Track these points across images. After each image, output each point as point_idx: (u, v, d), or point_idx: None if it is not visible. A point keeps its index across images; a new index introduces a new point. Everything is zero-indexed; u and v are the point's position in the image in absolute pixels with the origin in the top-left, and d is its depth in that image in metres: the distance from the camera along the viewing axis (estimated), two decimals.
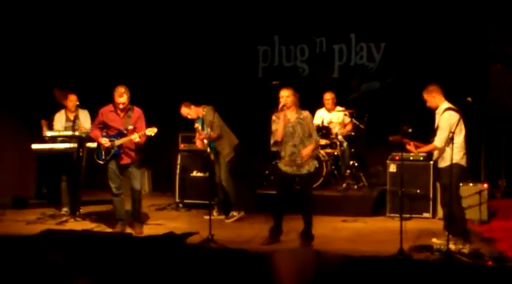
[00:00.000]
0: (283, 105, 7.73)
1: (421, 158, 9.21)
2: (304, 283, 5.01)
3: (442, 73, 10.25)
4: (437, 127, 7.46)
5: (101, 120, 8.32)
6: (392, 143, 7.95)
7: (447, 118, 7.34)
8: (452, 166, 7.21)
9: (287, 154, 7.74)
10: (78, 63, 11.62)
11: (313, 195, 8.04)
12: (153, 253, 6.47)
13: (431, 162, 8.69)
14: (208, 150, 9.12)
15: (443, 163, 7.42)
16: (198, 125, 9.41)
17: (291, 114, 7.76)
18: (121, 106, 8.16)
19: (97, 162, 8.33)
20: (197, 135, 9.47)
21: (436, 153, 7.60)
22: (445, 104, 7.53)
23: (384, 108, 10.37)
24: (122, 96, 8.12)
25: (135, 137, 8.06)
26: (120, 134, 8.20)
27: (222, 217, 9.38)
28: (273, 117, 7.81)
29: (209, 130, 9.00)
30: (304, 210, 7.86)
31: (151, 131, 8.13)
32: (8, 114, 10.58)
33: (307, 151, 7.67)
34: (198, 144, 9.51)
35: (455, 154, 7.29)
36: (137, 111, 8.33)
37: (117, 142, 8.18)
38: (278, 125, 7.70)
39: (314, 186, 9.83)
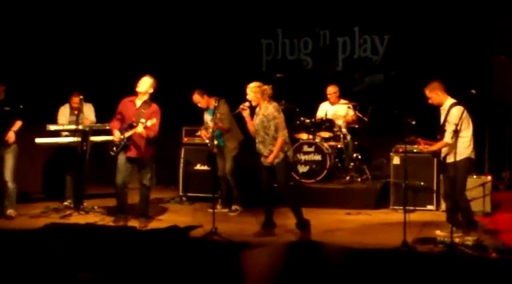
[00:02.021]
0: (250, 103, 7.77)
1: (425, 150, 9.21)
2: (271, 278, 5.03)
3: (446, 66, 10.25)
4: (445, 123, 7.42)
5: (119, 109, 8.40)
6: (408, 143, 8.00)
7: (456, 114, 7.31)
8: (465, 159, 7.32)
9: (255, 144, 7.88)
10: (82, 57, 11.60)
11: (287, 185, 7.91)
12: (157, 246, 6.49)
13: None
14: (216, 142, 9.07)
15: (455, 157, 7.37)
16: (207, 116, 9.40)
17: (260, 110, 7.78)
18: (139, 87, 8.24)
19: (110, 153, 8.38)
20: (204, 125, 9.47)
21: (445, 150, 7.56)
22: (450, 100, 7.51)
23: (388, 101, 10.37)
24: (142, 82, 8.25)
25: (139, 127, 8.05)
26: (131, 126, 8.22)
27: (226, 210, 9.39)
28: (241, 107, 7.85)
29: (219, 122, 8.99)
30: (286, 203, 7.89)
31: (151, 122, 8.09)
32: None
33: (270, 158, 7.66)
34: (203, 134, 9.51)
35: (466, 148, 7.37)
36: (153, 107, 8.33)
37: (126, 134, 8.21)
38: (248, 122, 7.80)
39: (318, 179, 9.96)
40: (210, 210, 8.05)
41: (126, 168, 8.32)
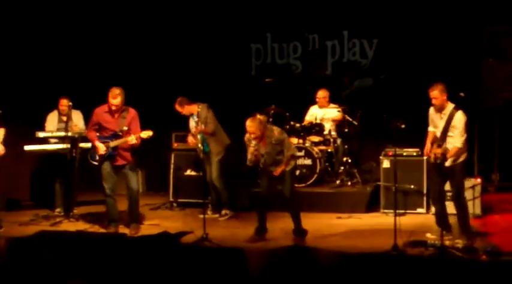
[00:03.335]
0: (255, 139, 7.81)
1: (415, 153, 9.24)
2: None
3: (435, 69, 10.27)
4: (449, 128, 7.39)
5: (95, 121, 8.29)
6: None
7: (462, 118, 7.33)
8: (462, 162, 7.43)
9: (264, 166, 7.94)
10: (70, 64, 11.56)
11: (293, 192, 8.05)
12: (148, 253, 6.47)
13: (425, 158, 8.65)
14: (201, 147, 9.04)
15: (455, 160, 7.39)
16: (192, 123, 9.40)
17: (265, 138, 7.83)
18: (114, 107, 8.14)
19: (91, 162, 8.32)
20: (190, 132, 9.47)
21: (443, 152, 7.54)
22: (451, 104, 7.49)
23: (377, 104, 10.38)
24: (115, 97, 8.08)
25: (132, 139, 8.04)
26: (115, 136, 8.18)
27: (216, 215, 9.37)
28: (245, 139, 7.87)
29: (203, 126, 8.99)
30: (288, 208, 8.00)
31: (146, 134, 8.09)
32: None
33: (278, 171, 7.83)
34: (190, 140, 9.50)
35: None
36: (132, 112, 8.30)
37: (112, 143, 8.16)
38: (250, 153, 7.78)
39: (308, 183, 9.96)
40: (201, 216, 8.04)
41: (112, 176, 8.30)
